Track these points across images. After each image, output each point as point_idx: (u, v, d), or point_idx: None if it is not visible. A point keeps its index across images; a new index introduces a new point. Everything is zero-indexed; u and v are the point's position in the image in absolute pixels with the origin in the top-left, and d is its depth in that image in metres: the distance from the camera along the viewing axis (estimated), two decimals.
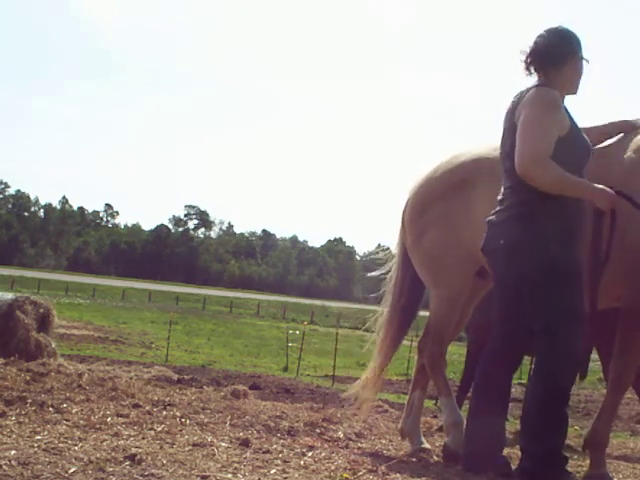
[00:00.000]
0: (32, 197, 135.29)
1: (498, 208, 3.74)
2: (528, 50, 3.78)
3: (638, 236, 3.68)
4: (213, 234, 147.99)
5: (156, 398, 5.14)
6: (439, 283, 4.32)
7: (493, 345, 3.84)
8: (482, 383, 3.82)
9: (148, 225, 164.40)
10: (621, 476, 4.16)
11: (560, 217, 3.58)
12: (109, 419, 4.11)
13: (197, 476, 3.01)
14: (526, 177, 3.53)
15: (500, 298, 3.81)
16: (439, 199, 4.29)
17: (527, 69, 3.79)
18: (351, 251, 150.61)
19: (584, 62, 3.78)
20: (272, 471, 3.25)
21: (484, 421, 3.71)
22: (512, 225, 3.62)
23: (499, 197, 3.77)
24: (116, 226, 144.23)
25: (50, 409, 4.25)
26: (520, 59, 3.80)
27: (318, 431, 4.56)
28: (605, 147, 3.97)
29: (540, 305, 3.58)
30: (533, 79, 3.79)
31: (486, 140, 4.31)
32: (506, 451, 4.05)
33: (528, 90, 3.69)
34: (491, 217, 3.76)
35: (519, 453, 3.80)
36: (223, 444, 3.73)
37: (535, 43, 3.77)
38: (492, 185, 3.89)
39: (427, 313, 4.50)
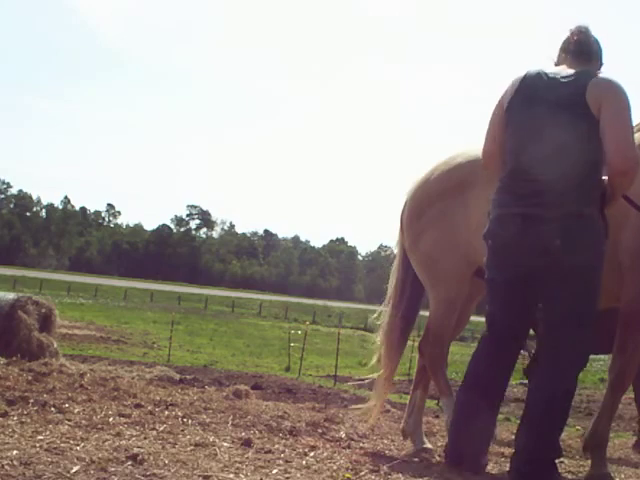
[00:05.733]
0: (34, 197, 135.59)
1: (527, 201, 3.46)
2: (588, 36, 3.68)
3: (635, 236, 3.69)
4: (215, 234, 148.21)
5: (158, 398, 5.14)
6: (437, 284, 4.31)
7: (486, 345, 3.75)
8: (473, 382, 3.72)
9: (150, 225, 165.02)
10: (623, 476, 4.16)
11: (603, 217, 3.52)
12: (111, 419, 4.11)
13: (199, 476, 3.02)
14: (627, 172, 3.38)
15: (502, 299, 3.67)
16: (436, 201, 4.28)
17: (580, 53, 3.65)
18: (353, 251, 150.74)
19: None
20: (274, 471, 3.25)
21: (473, 421, 3.63)
22: (569, 224, 3.41)
23: (520, 189, 3.49)
24: (118, 226, 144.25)
25: (52, 409, 4.25)
26: (577, 39, 3.66)
27: (320, 431, 4.56)
28: None
29: (575, 305, 3.47)
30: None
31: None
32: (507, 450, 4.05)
33: (586, 79, 3.49)
34: (517, 210, 3.48)
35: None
36: (225, 444, 3.74)
37: (591, 34, 3.69)
38: (489, 186, 3.84)
39: (428, 313, 4.51)
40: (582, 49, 3.67)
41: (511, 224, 3.51)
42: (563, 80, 3.57)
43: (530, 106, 3.57)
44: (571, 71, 3.60)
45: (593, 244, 3.47)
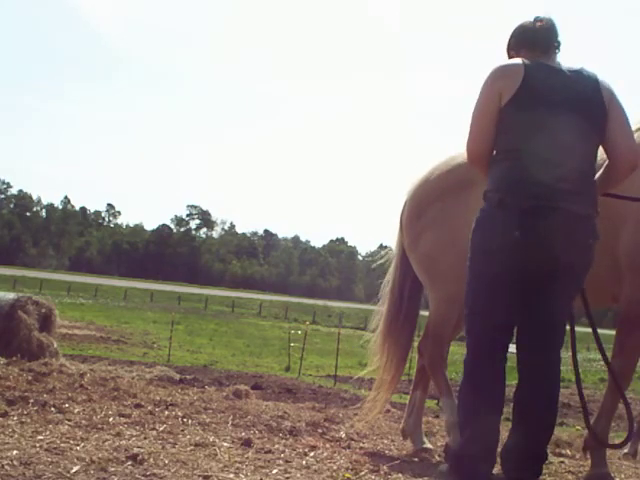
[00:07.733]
0: (34, 197, 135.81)
1: (568, 197, 3.25)
2: (554, 26, 3.55)
3: (633, 237, 3.69)
4: (215, 234, 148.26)
5: (158, 398, 5.14)
6: (437, 284, 4.31)
7: (481, 343, 3.44)
8: (470, 385, 3.48)
9: (150, 225, 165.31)
10: (623, 476, 4.16)
11: None
12: (111, 419, 4.11)
13: (199, 476, 3.02)
14: (638, 165, 3.41)
15: (510, 294, 3.35)
16: (436, 201, 4.28)
17: (557, 45, 3.54)
18: (353, 251, 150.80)
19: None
20: (274, 471, 3.25)
21: (474, 427, 3.46)
22: (594, 223, 3.36)
23: (554, 184, 3.24)
24: (118, 226, 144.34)
25: (52, 409, 4.26)
26: (546, 31, 3.52)
27: (320, 431, 4.56)
28: None
29: (569, 302, 3.45)
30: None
31: None
32: None
33: (593, 76, 3.45)
34: (558, 204, 3.24)
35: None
36: (225, 444, 3.74)
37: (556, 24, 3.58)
38: None
39: (427, 313, 4.51)
40: (553, 41, 3.53)
41: (550, 218, 3.23)
42: (572, 74, 3.43)
43: (550, 99, 3.34)
44: (571, 66, 3.48)
45: (595, 243, 3.43)
